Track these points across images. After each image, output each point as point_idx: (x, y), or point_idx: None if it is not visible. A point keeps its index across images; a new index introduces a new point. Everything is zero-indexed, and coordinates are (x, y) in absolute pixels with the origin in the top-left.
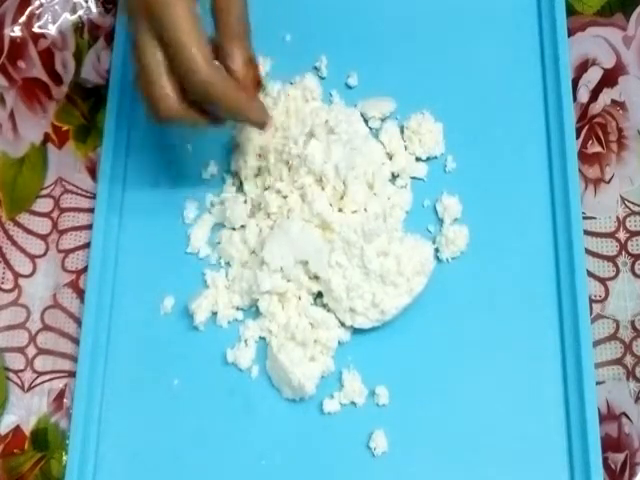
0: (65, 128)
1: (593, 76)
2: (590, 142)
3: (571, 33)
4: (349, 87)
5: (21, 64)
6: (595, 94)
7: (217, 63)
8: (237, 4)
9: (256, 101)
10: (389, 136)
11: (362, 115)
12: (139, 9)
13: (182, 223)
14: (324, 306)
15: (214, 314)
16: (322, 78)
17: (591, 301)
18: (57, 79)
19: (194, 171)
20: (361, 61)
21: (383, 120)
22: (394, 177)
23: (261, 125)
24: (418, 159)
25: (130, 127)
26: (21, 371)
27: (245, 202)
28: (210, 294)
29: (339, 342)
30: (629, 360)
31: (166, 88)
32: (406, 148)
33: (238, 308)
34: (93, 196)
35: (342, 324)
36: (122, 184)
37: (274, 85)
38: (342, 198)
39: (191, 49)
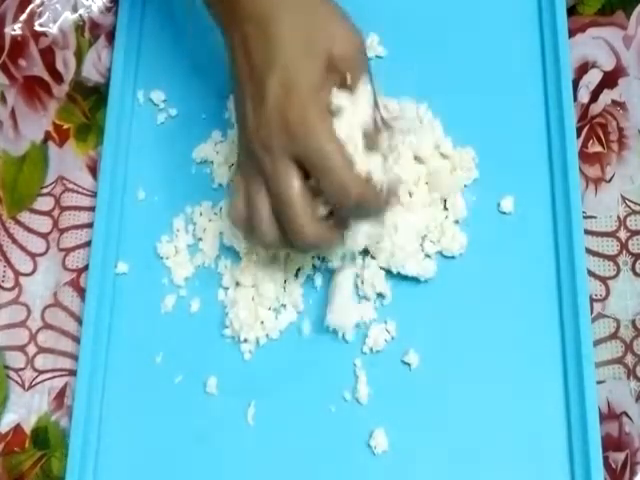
0: (66, 126)
1: (593, 78)
2: (591, 142)
3: (571, 34)
4: None
5: (22, 62)
6: (595, 95)
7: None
8: None
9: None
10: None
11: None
12: (276, 137)
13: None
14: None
15: None
16: None
17: (592, 300)
18: (58, 77)
19: (195, 171)
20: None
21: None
22: None
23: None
24: None
25: (131, 125)
26: (21, 369)
27: None
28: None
29: None
30: (630, 359)
31: (310, 214)
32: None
33: None
34: (94, 194)
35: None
36: (123, 182)
37: None
38: None
39: (343, 172)
